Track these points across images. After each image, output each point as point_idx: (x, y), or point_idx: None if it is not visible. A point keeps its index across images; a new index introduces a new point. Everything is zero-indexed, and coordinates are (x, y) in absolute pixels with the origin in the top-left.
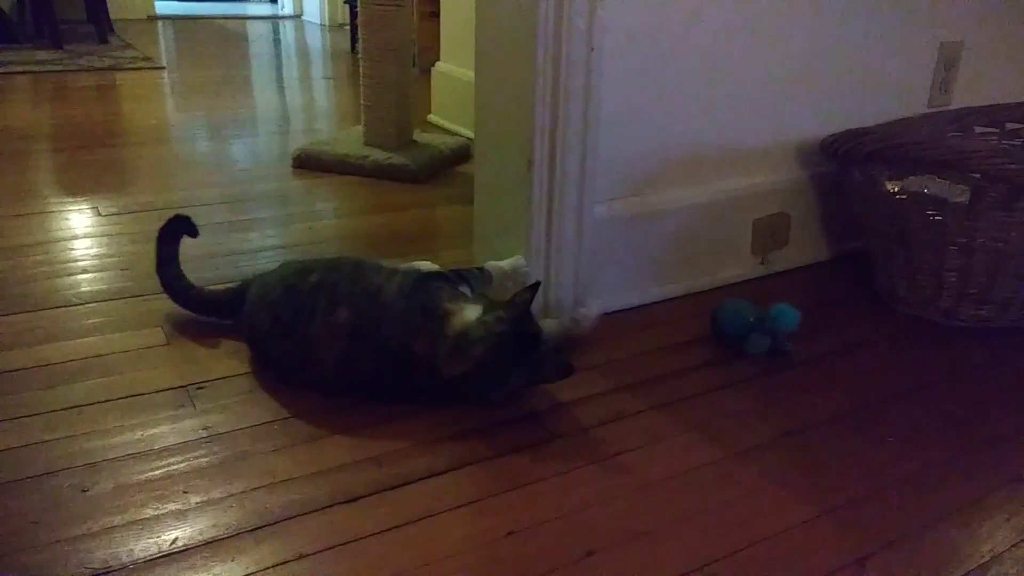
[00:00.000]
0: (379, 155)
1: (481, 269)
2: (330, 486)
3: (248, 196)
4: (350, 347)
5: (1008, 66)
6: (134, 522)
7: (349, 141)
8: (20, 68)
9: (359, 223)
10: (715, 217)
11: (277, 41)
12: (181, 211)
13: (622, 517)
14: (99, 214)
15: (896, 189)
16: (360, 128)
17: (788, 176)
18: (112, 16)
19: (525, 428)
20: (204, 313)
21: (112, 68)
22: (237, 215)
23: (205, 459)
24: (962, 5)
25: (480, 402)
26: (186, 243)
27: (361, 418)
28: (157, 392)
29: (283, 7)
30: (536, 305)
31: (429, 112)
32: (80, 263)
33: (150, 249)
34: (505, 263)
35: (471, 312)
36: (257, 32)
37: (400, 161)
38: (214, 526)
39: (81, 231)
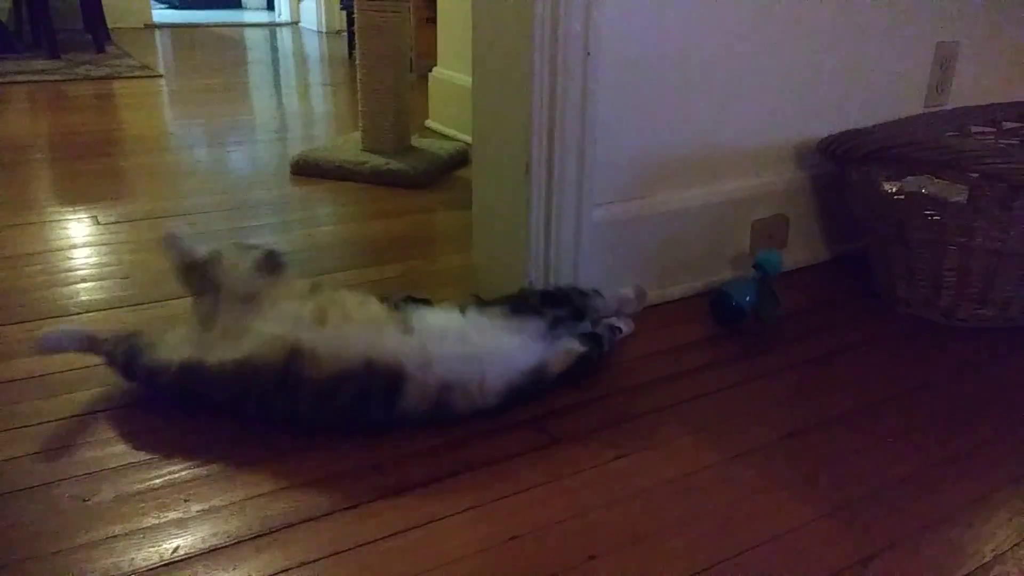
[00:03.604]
0: (377, 161)
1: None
2: (331, 493)
3: (247, 203)
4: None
5: (1004, 66)
6: (135, 531)
7: (347, 147)
8: (18, 77)
9: (358, 229)
10: (714, 219)
11: (274, 48)
12: (180, 219)
13: (624, 520)
14: (98, 223)
15: (894, 189)
16: (358, 134)
17: (786, 177)
18: (109, 25)
19: (526, 433)
20: None
21: (110, 77)
22: (236, 222)
23: (205, 467)
24: (958, 5)
25: None
26: None
27: None
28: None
29: (280, 14)
30: None
31: (427, 117)
32: (79, 272)
33: (149, 258)
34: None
35: None
36: (254, 39)
37: (398, 166)
38: (215, 534)
39: (80, 240)
